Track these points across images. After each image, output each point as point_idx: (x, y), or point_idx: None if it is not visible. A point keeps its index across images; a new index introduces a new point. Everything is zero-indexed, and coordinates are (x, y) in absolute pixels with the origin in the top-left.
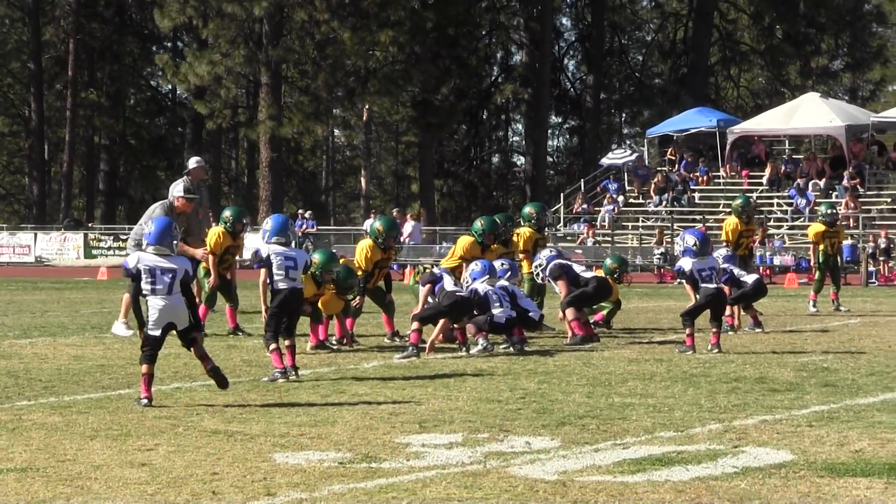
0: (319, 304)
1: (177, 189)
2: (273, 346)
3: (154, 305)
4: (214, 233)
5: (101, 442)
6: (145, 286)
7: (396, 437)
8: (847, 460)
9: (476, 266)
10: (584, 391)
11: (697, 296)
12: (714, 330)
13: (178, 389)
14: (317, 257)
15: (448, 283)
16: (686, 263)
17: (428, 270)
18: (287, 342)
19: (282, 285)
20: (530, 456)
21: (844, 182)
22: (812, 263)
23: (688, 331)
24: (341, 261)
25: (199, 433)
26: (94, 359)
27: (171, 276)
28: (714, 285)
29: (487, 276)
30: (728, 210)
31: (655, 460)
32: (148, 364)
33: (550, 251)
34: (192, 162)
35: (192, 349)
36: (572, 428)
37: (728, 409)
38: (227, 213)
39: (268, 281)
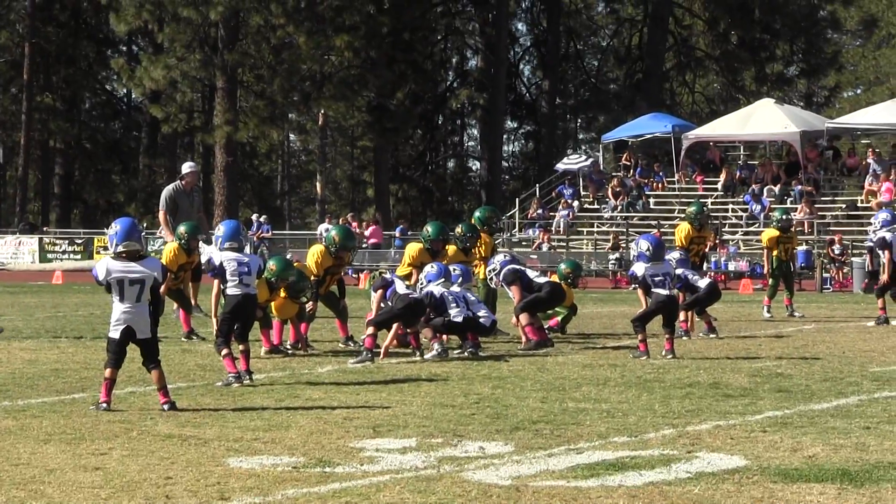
0: (273, 309)
1: (185, 167)
2: (225, 350)
3: (117, 309)
4: (170, 249)
5: (54, 446)
6: (114, 296)
7: (350, 442)
8: (800, 466)
9: (431, 268)
10: (539, 396)
11: (649, 301)
12: (667, 336)
13: (133, 394)
14: (273, 264)
15: (400, 287)
16: (639, 269)
17: (380, 275)
18: (241, 347)
19: (235, 291)
20: (484, 461)
21: (799, 187)
22: (766, 269)
23: (640, 336)
24: (295, 265)
25: (153, 437)
26: (49, 363)
27: (139, 286)
28: (666, 291)
29: (443, 279)
30: (683, 216)
31: (609, 465)
32: (111, 368)
33: (504, 256)
34: (186, 167)
35: (151, 373)
36: (526, 433)
37: (682, 415)
38: (181, 229)
39: (221, 289)
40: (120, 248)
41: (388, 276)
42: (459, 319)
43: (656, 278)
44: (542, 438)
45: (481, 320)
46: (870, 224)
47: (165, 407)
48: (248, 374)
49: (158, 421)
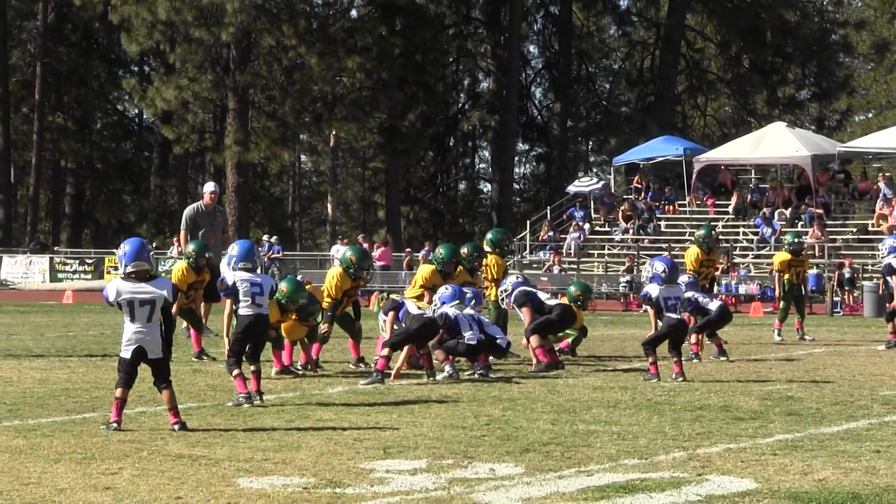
0: (282, 330)
1: (206, 186)
2: (236, 371)
3: (128, 330)
4: (178, 269)
5: (65, 465)
6: (125, 315)
7: (360, 463)
8: (811, 489)
9: (446, 290)
10: (549, 418)
11: (660, 323)
12: (675, 359)
13: (143, 413)
14: (284, 286)
15: (412, 308)
16: (653, 290)
17: (390, 298)
18: (252, 367)
19: (247, 311)
20: (494, 482)
21: (810, 211)
22: (777, 293)
23: (650, 359)
24: (308, 287)
25: (163, 457)
26: (59, 382)
27: (149, 307)
28: (677, 315)
29: (457, 301)
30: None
31: (619, 488)
32: (122, 388)
33: (517, 278)
34: (207, 187)
35: (162, 393)
36: (536, 455)
37: (692, 437)
38: (190, 248)
39: (233, 308)
40: (129, 269)
41: (397, 298)
42: (474, 342)
43: (669, 301)
44: (552, 460)
45: (498, 341)
46: (879, 248)
47: (176, 427)
48: (258, 394)
49: (169, 441)
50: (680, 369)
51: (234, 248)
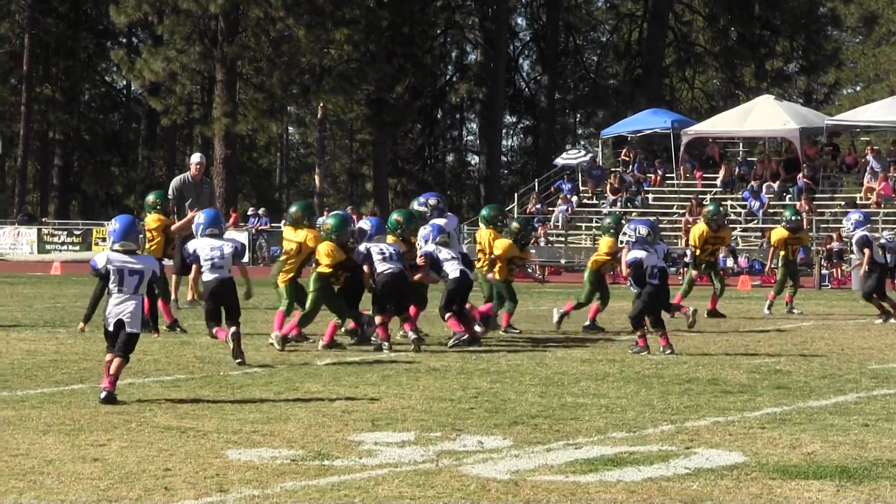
0: (321, 255)
1: (193, 158)
2: (215, 327)
3: (111, 302)
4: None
5: (53, 437)
6: (112, 285)
7: (349, 435)
8: (799, 462)
9: (425, 229)
10: (537, 391)
11: (639, 291)
12: (660, 333)
13: (132, 385)
14: (330, 221)
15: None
16: (641, 254)
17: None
18: (231, 329)
19: (209, 276)
20: (482, 455)
21: (799, 184)
22: (768, 266)
23: (638, 332)
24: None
25: (151, 429)
26: (48, 353)
27: (138, 277)
28: (657, 282)
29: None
30: (682, 212)
31: (608, 461)
32: (111, 354)
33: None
34: (194, 158)
35: (114, 360)
36: (525, 427)
37: (680, 411)
38: (150, 198)
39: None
40: (116, 247)
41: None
42: (457, 273)
43: (654, 268)
44: (540, 433)
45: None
46: (843, 224)
47: (102, 394)
48: (239, 354)
49: (157, 413)
50: (667, 342)
51: (201, 216)
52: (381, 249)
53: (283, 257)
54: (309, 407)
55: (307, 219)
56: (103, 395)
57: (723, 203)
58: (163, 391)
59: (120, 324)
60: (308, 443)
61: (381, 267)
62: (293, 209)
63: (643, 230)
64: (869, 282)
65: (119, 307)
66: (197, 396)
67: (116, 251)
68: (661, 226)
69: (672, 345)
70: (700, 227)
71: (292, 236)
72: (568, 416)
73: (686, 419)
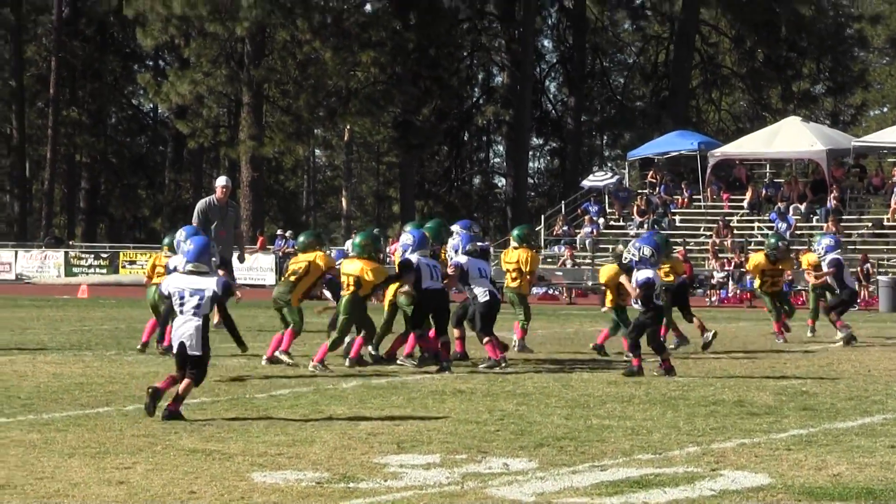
0: (369, 274)
1: (218, 181)
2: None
3: (176, 323)
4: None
5: (78, 460)
6: (176, 307)
7: (374, 458)
8: (825, 484)
9: (454, 239)
10: (563, 413)
11: (645, 311)
12: (662, 355)
13: (158, 408)
14: (358, 238)
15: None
16: (650, 274)
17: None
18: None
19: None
20: (508, 477)
21: (826, 206)
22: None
23: (634, 354)
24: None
25: (177, 452)
26: (73, 376)
27: (198, 297)
28: (660, 303)
29: (420, 248)
30: (709, 233)
31: (633, 482)
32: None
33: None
34: (219, 181)
35: (183, 380)
36: (550, 449)
37: (706, 432)
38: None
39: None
40: (189, 267)
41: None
42: (487, 297)
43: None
44: (566, 455)
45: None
46: (815, 249)
47: (165, 414)
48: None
49: (183, 435)
50: (669, 364)
51: (189, 244)
52: (429, 264)
53: (292, 278)
54: (334, 429)
55: (318, 246)
56: (165, 413)
57: (783, 239)
58: (188, 413)
59: (182, 346)
60: (333, 465)
61: (426, 283)
62: (302, 238)
63: (647, 251)
64: (833, 300)
65: (180, 329)
66: (223, 419)
67: (188, 272)
68: (688, 248)
69: (672, 367)
70: (758, 258)
71: (302, 257)
72: (594, 438)
73: (712, 441)
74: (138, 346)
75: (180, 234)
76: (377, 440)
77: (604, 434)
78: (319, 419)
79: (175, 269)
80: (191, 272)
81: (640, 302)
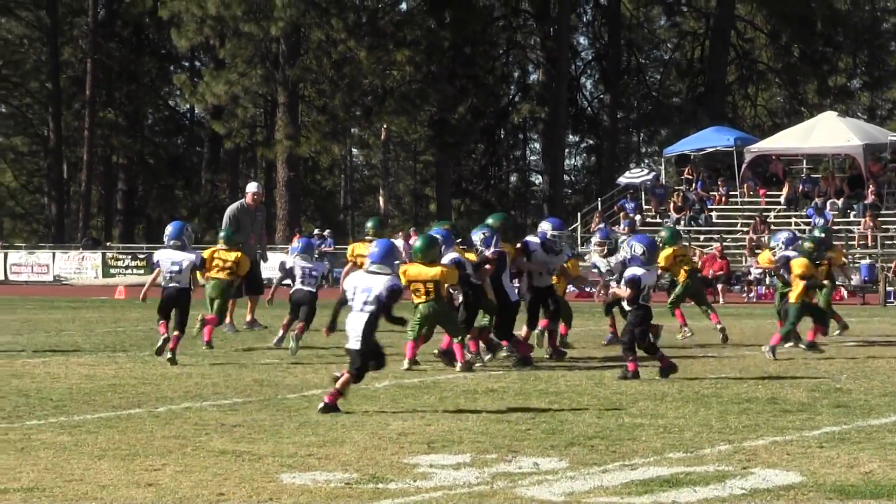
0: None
1: (249, 186)
2: (161, 322)
3: (349, 318)
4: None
5: (108, 462)
6: (350, 302)
7: (404, 458)
8: (857, 482)
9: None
10: (595, 411)
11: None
12: (657, 355)
13: (188, 409)
14: (418, 243)
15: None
16: (640, 272)
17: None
18: (175, 332)
19: (169, 285)
20: (538, 477)
21: (864, 201)
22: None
23: (630, 357)
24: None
25: (206, 453)
26: (106, 378)
27: (367, 293)
28: (647, 304)
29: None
30: (746, 230)
31: (663, 481)
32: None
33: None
34: (251, 187)
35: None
36: (581, 448)
37: (738, 430)
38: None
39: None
40: (373, 268)
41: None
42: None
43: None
44: (596, 454)
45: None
46: (772, 244)
47: (320, 405)
48: (172, 353)
49: (213, 436)
50: (666, 362)
51: (168, 228)
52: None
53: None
54: (365, 429)
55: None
56: (321, 405)
57: (829, 231)
58: (220, 415)
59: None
60: (363, 466)
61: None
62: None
63: (638, 248)
64: None
65: (349, 324)
66: (253, 420)
67: (370, 272)
68: (725, 244)
69: (672, 364)
70: (802, 262)
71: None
72: (625, 437)
73: (744, 439)
74: (204, 347)
75: (170, 229)
76: (407, 440)
77: (635, 433)
78: (351, 420)
79: (158, 262)
80: (373, 272)
81: (627, 302)
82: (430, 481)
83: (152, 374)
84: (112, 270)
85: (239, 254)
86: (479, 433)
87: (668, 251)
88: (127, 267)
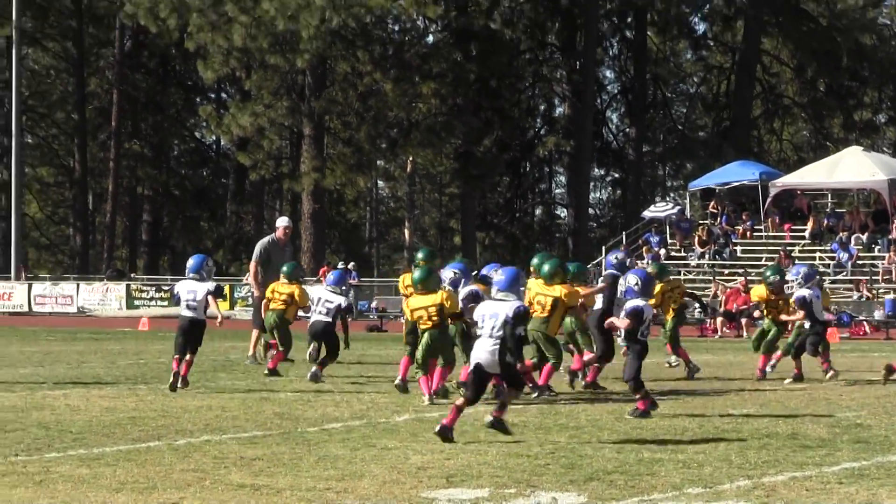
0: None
1: (280, 221)
2: (176, 357)
3: (476, 344)
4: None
5: (125, 495)
6: (479, 330)
7: (423, 492)
8: None
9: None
10: (615, 446)
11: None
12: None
13: (208, 442)
14: (416, 274)
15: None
16: (641, 303)
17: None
18: (187, 357)
19: (182, 314)
20: None
21: (889, 237)
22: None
23: (640, 394)
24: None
25: (225, 486)
26: (126, 410)
27: (495, 319)
28: (646, 340)
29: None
30: (771, 264)
31: None
32: None
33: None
34: (281, 221)
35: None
36: (600, 483)
37: (758, 466)
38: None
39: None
40: (500, 295)
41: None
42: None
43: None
44: (615, 489)
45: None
46: (790, 279)
47: (490, 422)
48: (183, 379)
49: (232, 470)
50: (646, 405)
51: (190, 261)
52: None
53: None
54: (384, 463)
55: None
56: (437, 428)
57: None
58: (239, 448)
59: (479, 366)
60: (381, 500)
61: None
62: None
63: (632, 279)
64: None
65: (477, 350)
66: (273, 453)
67: (497, 299)
68: (749, 278)
69: (653, 403)
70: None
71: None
72: (644, 472)
73: (763, 474)
74: (265, 372)
75: (191, 262)
76: (426, 474)
77: (654, 468)
78: (371, 454)
79: (177, 294)
80: (499, 300)
81: (624, 334)
82: None
83: (172, 406)
84: (136, 302)
85: (297, 287)
86: (498, 467)
87: (658, 287)
88: (151, 298)
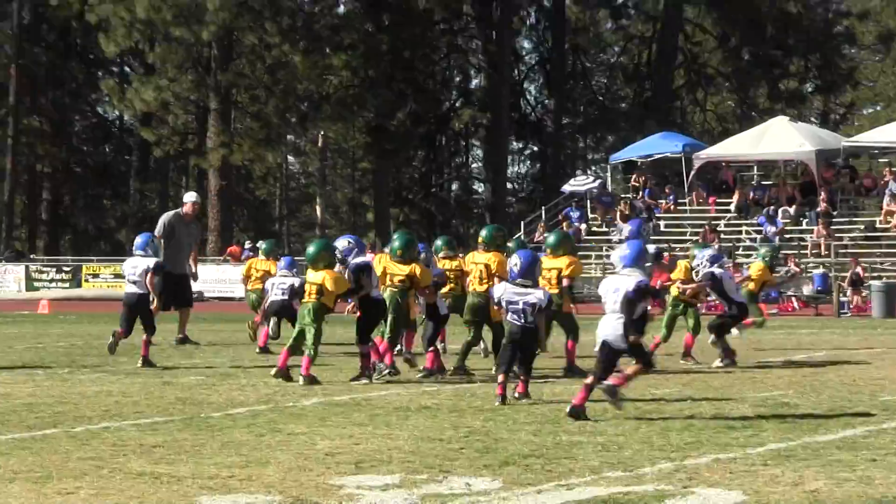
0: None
1: (187, 196)
2: (119, 330)
3: (601, 321)
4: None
5: (19, 485)
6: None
7: (330, 479)
8: (801, 501)
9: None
10: (531, 429)
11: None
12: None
13: (107, 429)
14: (397, 241)
15: None
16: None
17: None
18: (143, 337)
19: (129, 289)
20: (469, 498)
21: (816, 209)
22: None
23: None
24: None
25: (123, 475)
26: (22, 397)
27: (616, 293)
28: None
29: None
30: (695, 239)
31: (601, 502)
32: None
33: None
34: (188, 197)
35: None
36: (515, 468)
37: (680, 448)
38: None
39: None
40: (625, 272)
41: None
42: (445, 311)
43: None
44: (531, 473)
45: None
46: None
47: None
48: (145, 359)
49: (131, 458)
50: (524, 389)
51: (138, 238)
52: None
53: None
54: (291, 449)
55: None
56: (567, 409)
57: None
58: (139, 435)
59: (606, 343)
60: (287, 487)
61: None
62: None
63: (514, 259)
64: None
65: (603, 327)
66: (175, 440)
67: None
68: (673, 253)
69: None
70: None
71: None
72: (562, 456)
73: (686, 456)
74: (257, 350)
75: (138, 240)
76: (335, 460)
77: (572, 451)
78: (276, 440)
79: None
80: (625, 275)
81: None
82: (356, 503)
83: (71, 392)
84: (36, 284)
85: (274, 264)
86: (409, 452)
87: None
88: (51, 280)
